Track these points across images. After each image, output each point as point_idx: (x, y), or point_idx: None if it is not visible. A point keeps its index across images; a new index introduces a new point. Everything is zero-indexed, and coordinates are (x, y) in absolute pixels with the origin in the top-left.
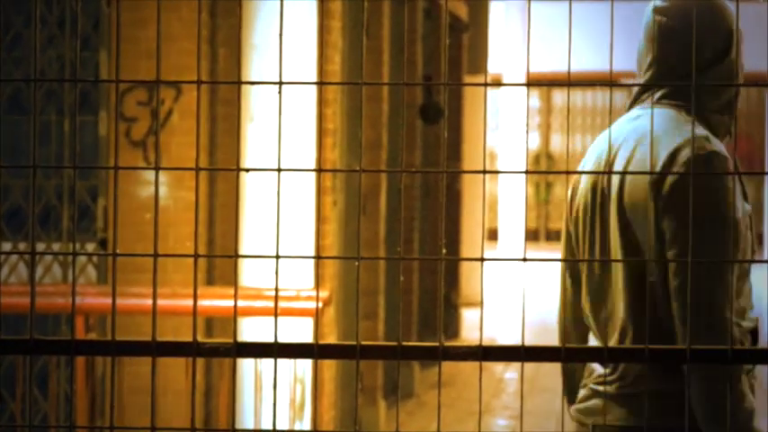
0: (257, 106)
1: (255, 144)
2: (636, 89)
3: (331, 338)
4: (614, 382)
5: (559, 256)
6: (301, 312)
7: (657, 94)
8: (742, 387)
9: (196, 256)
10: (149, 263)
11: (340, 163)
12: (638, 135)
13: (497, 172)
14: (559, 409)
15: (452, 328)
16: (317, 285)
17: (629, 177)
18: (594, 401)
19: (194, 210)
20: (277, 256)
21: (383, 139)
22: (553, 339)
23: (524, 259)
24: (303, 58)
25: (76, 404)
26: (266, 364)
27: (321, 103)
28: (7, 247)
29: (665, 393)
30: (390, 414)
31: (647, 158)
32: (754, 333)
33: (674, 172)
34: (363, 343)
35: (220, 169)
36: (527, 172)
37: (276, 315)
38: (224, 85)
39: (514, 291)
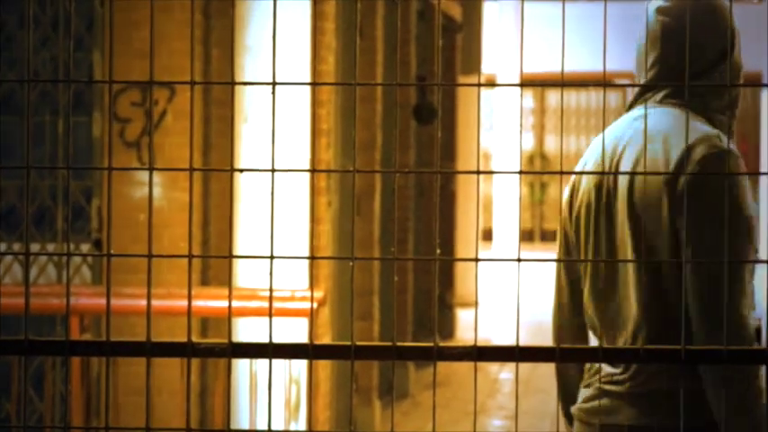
0: (251, 107)
1: (249, 145)
2: (638, 89)
3: (326, 339)
4: (625, 382)
5: (554, 256)
6: (296, 313)
7: (661, 94)
8: (759, 383)
9: (190, 256)
10: (144, 263)
11: (334, 163)
12: (647, 133)
13: (491, 172)
14: (554, 410)
15: (447, 328)
16: (312, 286)
17: (639, 175)
18: (603, 401)
19: (188, 210)
20: (272, 257)
21: (377, 140)
22: (548, 340)
23: (519, 259)
24: (297, 59)
25: (71, 404)
26: (261, 364)
27: (315, 103)
28: (2, 247)
29: (678, 392)
30: (385, 414)
31: (658, 157)
32: (757, 333)
33: (688, 172)
34: (358, 343)
35: (214, 170)
36: (521, 172)
37: (271, 315)
38: (218, 86)
39: (509, 291)
